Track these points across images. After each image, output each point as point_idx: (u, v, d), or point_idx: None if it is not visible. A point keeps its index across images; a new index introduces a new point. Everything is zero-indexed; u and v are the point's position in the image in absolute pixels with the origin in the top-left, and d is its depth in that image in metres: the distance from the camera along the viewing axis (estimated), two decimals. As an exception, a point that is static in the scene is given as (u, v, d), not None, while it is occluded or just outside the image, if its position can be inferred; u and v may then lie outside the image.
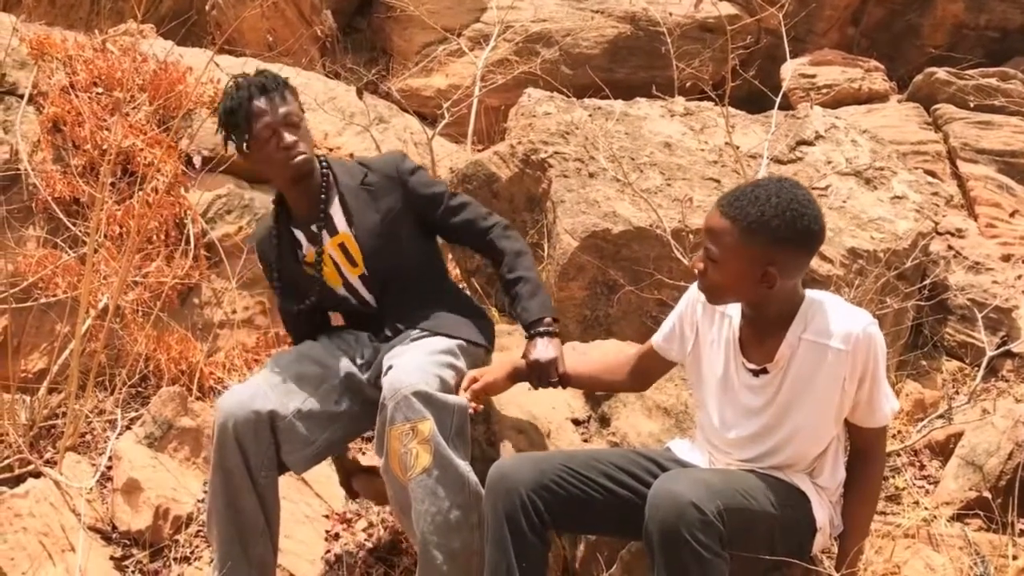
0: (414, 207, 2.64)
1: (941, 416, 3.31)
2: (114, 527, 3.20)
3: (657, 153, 4.25)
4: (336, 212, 2.61)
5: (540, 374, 2.51)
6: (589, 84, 6.73)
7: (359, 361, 2.68)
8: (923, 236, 3.93)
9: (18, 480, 3.38)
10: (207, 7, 6.63)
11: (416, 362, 2.44)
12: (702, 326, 2.27)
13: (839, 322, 2.04)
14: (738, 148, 4.31)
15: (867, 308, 3.60)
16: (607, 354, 3.04)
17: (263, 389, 2.52)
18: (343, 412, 2.59)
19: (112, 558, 3.09)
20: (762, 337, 2.13)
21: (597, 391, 2.83)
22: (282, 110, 2.51)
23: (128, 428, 3.54)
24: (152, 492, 3.21)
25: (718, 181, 4.07)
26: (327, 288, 2.65)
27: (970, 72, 6.17)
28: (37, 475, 3.35)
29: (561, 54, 6.71)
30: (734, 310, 2.20)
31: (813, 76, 6.98)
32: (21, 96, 4.49)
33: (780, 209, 1.97)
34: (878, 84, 6.88)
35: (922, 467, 3.47)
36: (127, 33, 5.75)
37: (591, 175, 4.05)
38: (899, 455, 3.48)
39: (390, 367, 2.46)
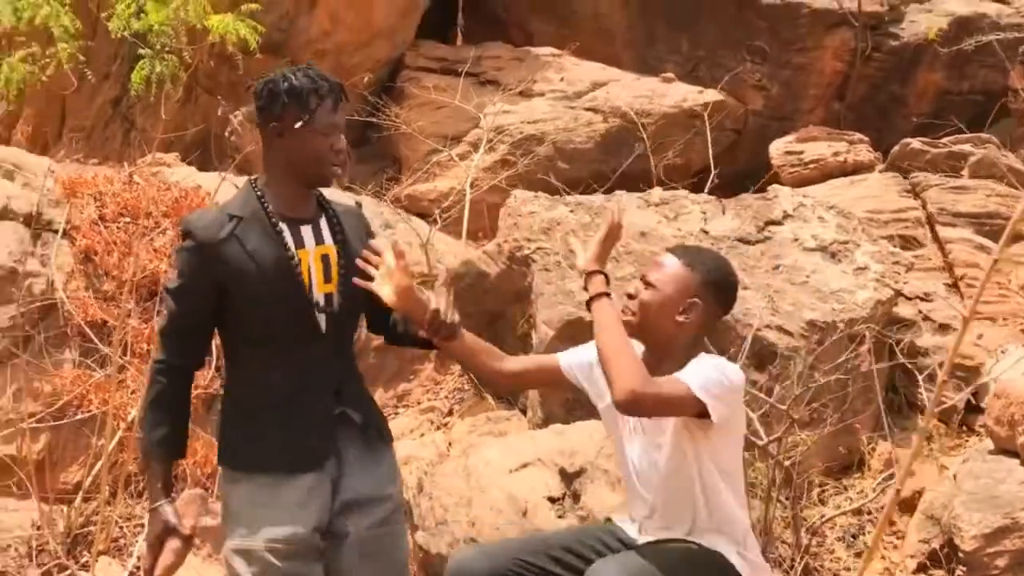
0: None
1: (891, 476, 3.53)
2: (143, 620, 3.50)
3: (632, 243, 4.58)
4: (324, 224, 2.48)
5: (435, 319, 2.39)
6: (584, 177, 7.16)
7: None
8: (882, 304, 4.19)
9: (56, 583, 3.73)
10: (226, 133, 7.18)
11: None
12: None
13: (725, 361, 2.31)
14: (708, 232, 4.63)
15: (831, 375, 3.85)
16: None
17: None
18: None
19: (141, 651, 3.39)
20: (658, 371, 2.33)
21: (466, 365, 2.79)
22: (343, 120, 2.42)
23: (155, 530, 3.87)
24: (175, 587, 3.51)
25: (688, 265, 4.38)
26: (302, 289, 2.38)
27: (944, 140, 6.46)
28: (73, 577, 3.70)
29: (556, 151, 7.13)
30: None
31: (800, 152, 7.30)
32: (56, 231, 4.97)
33: (718, 263, 2.38)
34: (863, 156, 7.18)
35: (892, 523, 3.67)
36: (153, 163, 6.29)
37: (571, 267, 4.39)
38: (868, 512, 3.70)
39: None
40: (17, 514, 4.32)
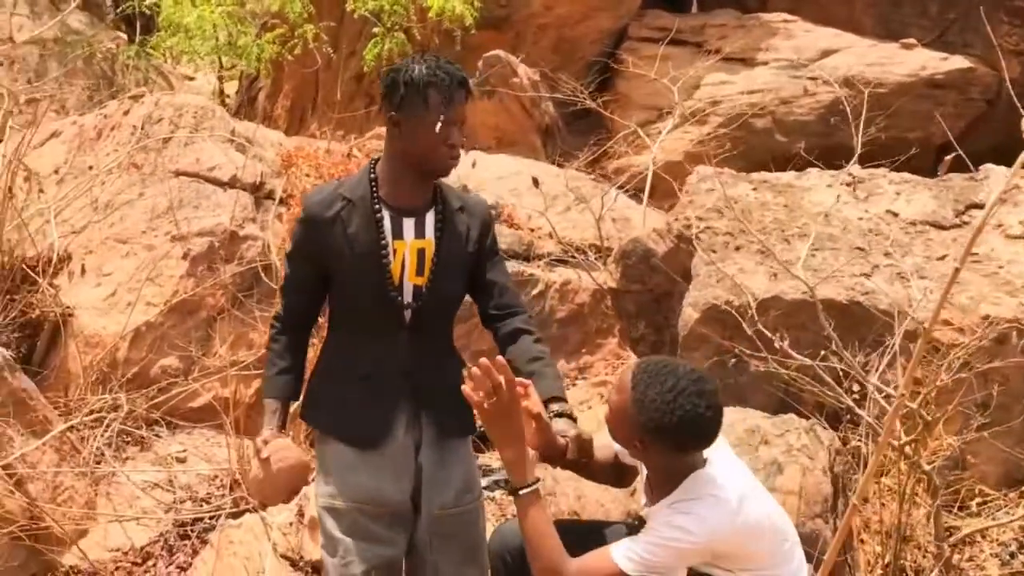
0: (481, 253, 2.63)
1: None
2: (301, 557, 3.88)
3: (811, 223, 4.36)
4: (429, 218, 2.55)
5: (567, 462, 2.51)
6: (805, 151, 6.78)
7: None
8: (1085, 301, 3.72)
9: (241, 514, 4.20)
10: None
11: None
12: None
13: (697, 512, 2.09)
14: (897, 215, 4.31)
15: (1012, 376, 3.49)
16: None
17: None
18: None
19: (297, 582, 3.76)
20: (652, 490, 2.26)
21: (588, 474, 2.64)
22: (464, 111, 2.45)
23: (323, 475, 4.25)
24: (329, 529, 3.86)
25: (864, 250, 4.12)
26: (387, 279, 2.50)
27: None
28: (255, 511, 4.14)
29: (775, 123, 6.84)
30: None
31: (1059, 125, 6.52)
32: (275, 199, 5.50)
33: (671, 407, 2.05)
34: None
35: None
36: (375, 137, 6.75)
37: (737, 248, 4.26)
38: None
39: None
40: (227, 450, 4.89)
